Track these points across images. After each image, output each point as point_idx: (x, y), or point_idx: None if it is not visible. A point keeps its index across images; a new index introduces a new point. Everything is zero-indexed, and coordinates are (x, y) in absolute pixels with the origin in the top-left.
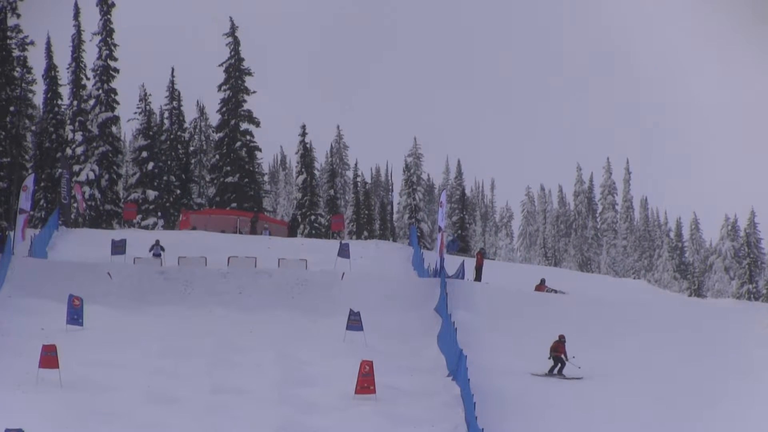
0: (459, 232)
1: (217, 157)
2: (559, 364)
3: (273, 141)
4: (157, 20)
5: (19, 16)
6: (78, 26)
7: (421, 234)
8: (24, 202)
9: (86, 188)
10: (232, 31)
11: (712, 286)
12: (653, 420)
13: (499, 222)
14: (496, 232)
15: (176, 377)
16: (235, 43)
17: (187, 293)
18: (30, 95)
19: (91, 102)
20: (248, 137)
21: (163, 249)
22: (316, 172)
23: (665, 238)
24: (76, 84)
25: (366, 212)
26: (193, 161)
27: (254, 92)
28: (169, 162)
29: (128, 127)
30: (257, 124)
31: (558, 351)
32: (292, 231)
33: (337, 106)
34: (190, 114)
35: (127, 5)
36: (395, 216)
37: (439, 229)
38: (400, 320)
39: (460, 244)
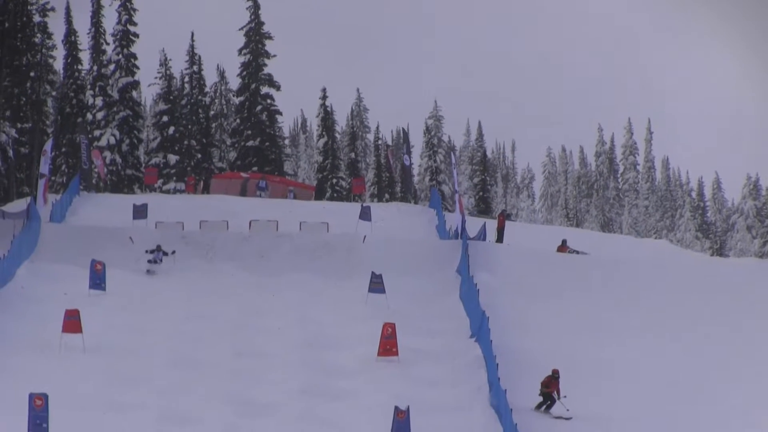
0: (480, 193)
1: (238, 121)
2: (548, 402)
3: (293, 104)
4: None
5: None
6: None
7: (443, 196)
8: (43, 166)
9: (107, 153)
10: None
11: (734, 246)
12: (674, 382)
13: (520, 183)
14: (518, 194)
15: (199, 341)
16: (255, 7)
17: (209, 258)
18: (50, 61)
19: (111, 67)
20: (269, 101)
21: (166, 254)
22: (336, 135)
23: (687, 198)
24: (96, 49)
25: (387, 175)
26: (213, 125)
27: (274, 56)
28: (189, 126)
29: (148, 92)
30: (278, 88)
31: (549, 387)
32: (318, 195)
33: (357, 69)
34: (210, 78)
35: None
36: (416, 179)
37: (455, 191)
38: (422, 282)
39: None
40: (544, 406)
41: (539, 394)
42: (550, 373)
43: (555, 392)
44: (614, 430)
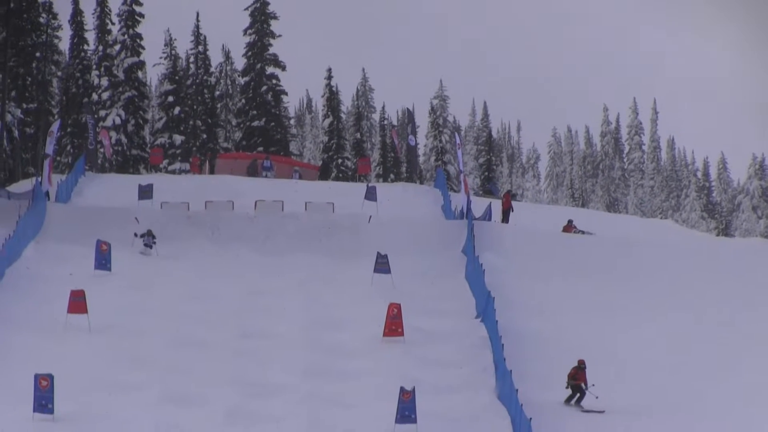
0: (486, 174)
1: (243, 101)
2: (578, 394)
3: (299, 84)
4: None
5: None
6: None
7: (448, 176)
8: (48, 147)
9: (113, 133)
10: None
11: (739, 226)
12: (680, 364)
13: (525, 163)
14: (523, 174)
15: (204, 321)
16: None
17: (215, 238)
18: (56, 41)
19: (117, 47)
20: (274, 81)
21: (155, 240)
22: (342, 115)
23: (692, 178)
24: (102, 29)
25: (392, 155)
26: (219, 106)
27: (279, 36)
28: (195, 107)
29: (154, 72)
30: (283, 68)
31: (577, 379)
32: (323, 175)
33: (363, 49)
34: (215, 58)
35: None
36: (421, 159)
37: (460, 171)
38: (427, 262)
39: (488, 185)
40: (574, 399)
41: (566, 387)
42: (576, 364)
43: (583, 383)
44: (619, 417)
